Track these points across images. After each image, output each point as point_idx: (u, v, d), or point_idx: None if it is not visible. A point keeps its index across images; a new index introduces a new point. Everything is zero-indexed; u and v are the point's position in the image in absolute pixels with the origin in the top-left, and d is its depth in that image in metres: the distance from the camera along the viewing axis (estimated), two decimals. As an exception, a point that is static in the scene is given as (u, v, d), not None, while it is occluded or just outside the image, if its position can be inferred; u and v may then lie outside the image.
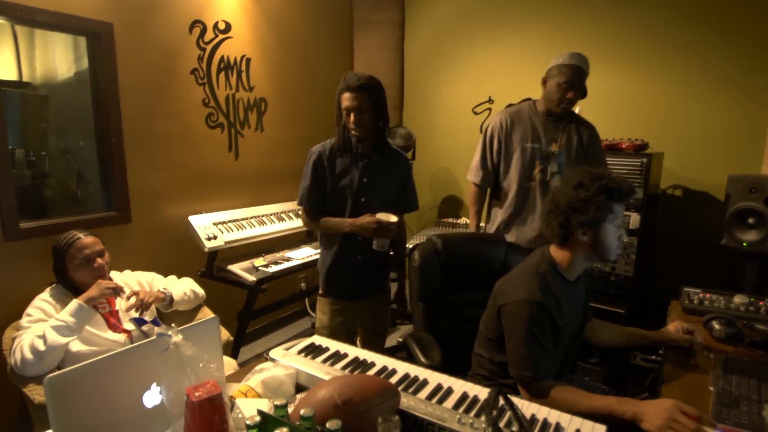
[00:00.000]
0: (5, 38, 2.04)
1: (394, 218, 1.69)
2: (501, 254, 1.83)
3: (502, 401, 0.94)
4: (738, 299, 1.72)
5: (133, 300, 1.74)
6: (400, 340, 3.06)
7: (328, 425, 0.75)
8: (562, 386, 1.17)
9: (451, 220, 3.52)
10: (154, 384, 0.93)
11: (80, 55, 2.24)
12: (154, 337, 0.85)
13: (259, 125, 3.01)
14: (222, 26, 2.69)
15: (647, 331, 1.54)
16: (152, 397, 0.93)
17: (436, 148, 3.77)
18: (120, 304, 1.78)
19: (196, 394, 0.76)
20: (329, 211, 1.81)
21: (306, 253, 2.79)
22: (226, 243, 2.48)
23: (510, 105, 3.43)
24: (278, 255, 2.73)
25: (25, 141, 2.17)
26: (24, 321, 1.62)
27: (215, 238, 2.44)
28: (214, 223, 2.53)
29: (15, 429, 2.02)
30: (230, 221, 2.62)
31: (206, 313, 2.05)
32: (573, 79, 1.97)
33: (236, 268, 2.46)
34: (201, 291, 2.01)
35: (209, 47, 2.64)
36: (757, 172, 2.50)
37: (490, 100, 3.47)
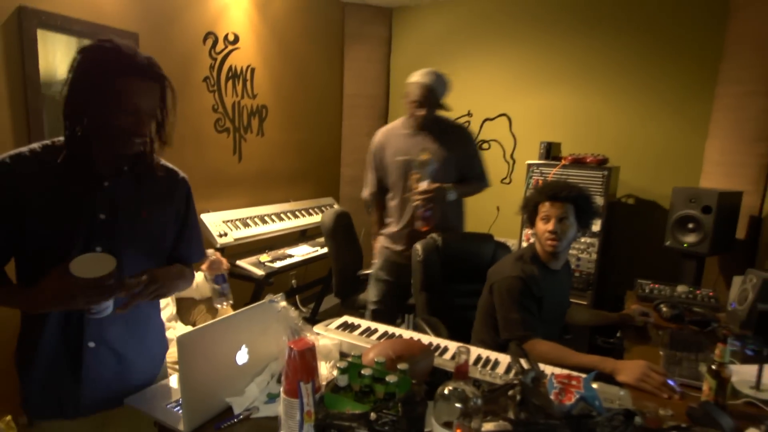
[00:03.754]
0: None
1: None
2: (491, 250, 2.16)
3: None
4: (680, 288, 2.12)
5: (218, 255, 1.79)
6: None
7: (399, 366, 1.02)
8: (551, 343, 1.49)
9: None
10: (244, 345, 1.17)
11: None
12: (267, 301, 1.12)
13: (260, 130, 3.21)
14: (231, 38, 2.89)
15: (611, 312, 1.90)
16: (242, 356, 1.17)
17: (419, 155, 4.08)
18: None
19: (298, 345, 1.00)
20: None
21: (305, 251, 3.02)
22: (236, 240, 2.68)
23: (486, 119, 3.81)
24: (280, 252, 2.95)
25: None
26: None
27: (226, 235, 2.64)
28: (224, 221, 2.72)
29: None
30: (237, 219, 2.82)
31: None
32: (421, 97, 2.14)
33: (245, 263, 2.67)
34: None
35: (220, 57, 2.84)
36: (696, 185, 2.96)
37: (469, 114, 3.82)
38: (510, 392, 0.97)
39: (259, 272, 2.59)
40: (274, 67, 3.27)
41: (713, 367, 1.21)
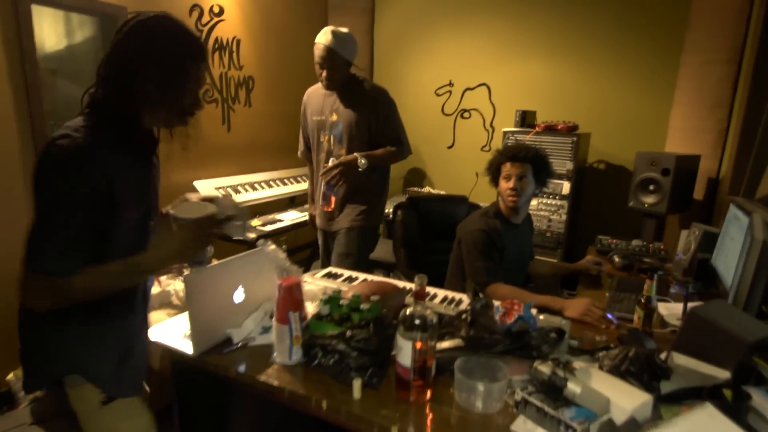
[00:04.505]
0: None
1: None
2: (464, 210, 2.35)
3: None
4: (635, 242, 2.34)
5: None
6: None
7: (372, 298, 1.21)
8: (510, 286, 1.70)
9: (415, 189, 4.01)
10: (240, 286, 1.35)
11: (71, 30, 2.43)
12: (260, 247, 1.30)
13: (247, 101, 3.33)
14: (216, 9, 2.97)
15: (569, 263, 2.11)
16: (239, 296, 1.35)
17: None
18: None
19: (287, 282, 1.19)
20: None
21: (294, 216, 3.19)
22: (228, 205, 2.84)
23: (467, 89, 3.94)
24: (270, 217, 3.12)
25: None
26: None
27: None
28: (216, 188, 2.87)
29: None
30: (228, 186, 2.97)
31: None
32: (321, 59, 2.06)
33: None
34: None
35: (206, 29, 2.93)
36: (662, 150, 3.15)
37: (451, 84, 3.94)
38: (463, 316, 1.17)
39: (252, 235, 2.76)
40: (259, 39, 3.35)
41: (642, 299, 1.43)
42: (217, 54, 3.03)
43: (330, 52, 2.04)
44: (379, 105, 2.18)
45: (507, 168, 1.79)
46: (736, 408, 0.97)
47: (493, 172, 1.87)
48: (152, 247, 1.09)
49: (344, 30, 2.11)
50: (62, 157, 0.97)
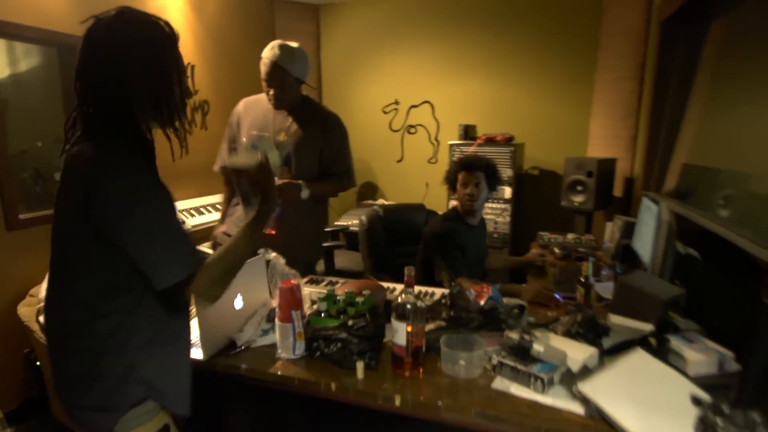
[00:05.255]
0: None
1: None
2: (424, 216, 2.59)
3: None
4: (569, 236, 2.69)
5: None
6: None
7: (364, 292, 1.39)
8: (473, 279, 1.93)
9: (369, 201, 4.23)
10: (239, 294, 1.48)
11: (15, 59, 2.41)
12: (260, 256, 1.43)
13: (203, 124, 3.39)
14: (170, 37, 3.04)
15: (518, 257, 2.40)
16: (238, 303, 1.48)
17: (352, 142, 4.42)
18: None
19: (287, 285, 1.34)
20: None
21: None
22: (193, 227, 2.90)
23: (412, 106, 4.23)
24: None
25: None
26: None
27: (183, 222, 2.84)
28: (179, 210, 2.91)
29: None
30: (191, 208, 3.03)
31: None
32: (267, 75, 1.88)
33: (204, 248, 2.89)
34: None
35: (161, 56, 2.99)
36: (584, 155, 3.59)
37: (397, 102, 4.23)
38: (443, 301, 1.38)
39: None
40: (212, 64, 3.45)
41: (582, 279, 1.72)
42: (172, 79, 3.10)
43: (277, 68, 1.85)
44: (335, 133, 2.04)
45: (463, 176, 2.04)
46: (660, 351, 1.25)
47: (451, 181, 2.11)
48: (255, 210, 1.13)
49: (293, 44, 1.91)
50: (134, 169, 0.96)
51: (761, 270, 1.32)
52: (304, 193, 1.87)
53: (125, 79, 0.96)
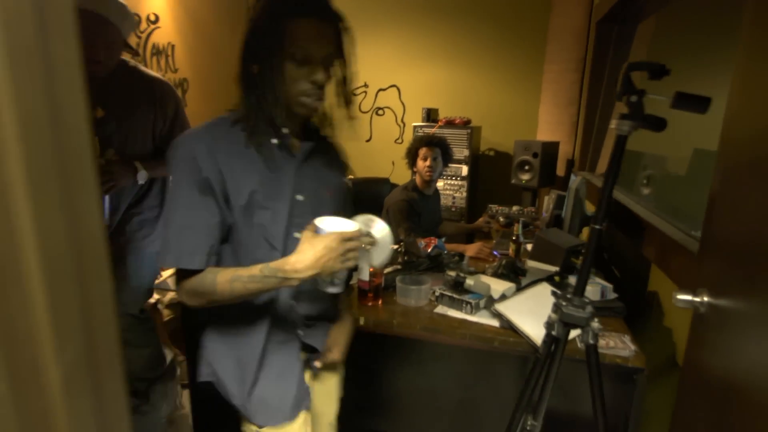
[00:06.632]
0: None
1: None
2: (387, 189, 2.93)
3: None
4: (514, 208, 3.10)
5: None
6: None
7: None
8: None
9: (340, 178, 4.54)
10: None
11: None
12: None
13: (183, 102, 3.60)
14: (152, 17, 3.23)
15: (468, 224, 2.79)
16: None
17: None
18: None
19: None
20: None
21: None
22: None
23: (380, 90, 4.52)
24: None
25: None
26: None
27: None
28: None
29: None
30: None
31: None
32: (91, 34, 1.43)
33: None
34: None
35: (144, 35, 3.18)
36: (534, 138, 4.01)
37: (366, 85, 4.52)
38: (397, 248, 1.74)
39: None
40: (191, 44, 3.64)
41: (513, 238, 2.12)
42: (155, 59, 3.29)
43: (107, 26, 1.46)
44: (164, 100, 1.71)
45: (423, 151, 2.39)
46: (561, 284, 1.66)
47: (412, 156, 2.47)
48: (297, 254, 0.92)
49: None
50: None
51: (643, 228, 1.75)
52: (141, 176, 1.63)
53: (242, 60, 1.04)
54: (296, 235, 1.00)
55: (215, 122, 1.01)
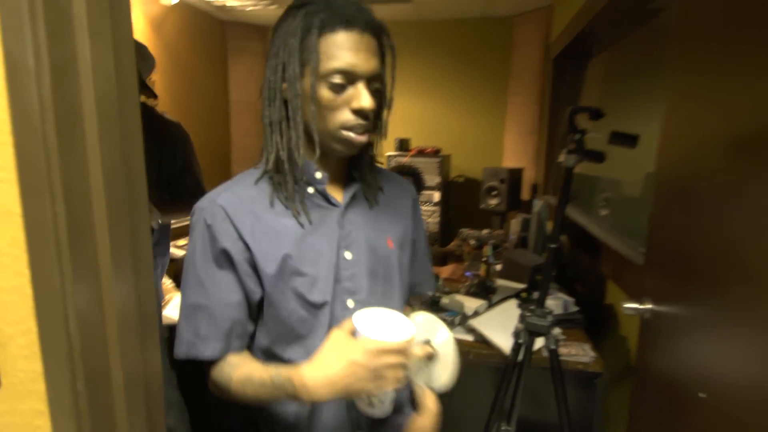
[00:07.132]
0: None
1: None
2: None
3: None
4: (484, 231, 3.28)
5: None
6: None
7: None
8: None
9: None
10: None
11: None
12: None
13: (161, 134, 3.67)
14: (132, 54, 3.32)
15: (441, 247, 2.94)
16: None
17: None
18: None
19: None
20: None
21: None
22: (155, 227, 3.17)
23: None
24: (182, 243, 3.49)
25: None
26: None
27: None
28: (142, 213, 3.18)
29: None
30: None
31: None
32: None
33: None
34: None
35: (123, 72, 3.26)
36: (500, 165, 4.24)
37: (340, 116, 4.69)
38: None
39: (179, 253, 3.14)
40: (168, 79, 3.74)
41: (483, 259, 2.27)
42: (133, 93, 3.37)
43: None
44: (176, 143, 1.65)
45: None
46: (527, 300, 1.80)
47: None
48: (316, 364, 0.71)
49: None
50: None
51: (600, 247, 1.93)
52: (154, 221, 1.48)
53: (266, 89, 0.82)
54: (349, 303, 0.81)
55: (239, 178, 0.85)
